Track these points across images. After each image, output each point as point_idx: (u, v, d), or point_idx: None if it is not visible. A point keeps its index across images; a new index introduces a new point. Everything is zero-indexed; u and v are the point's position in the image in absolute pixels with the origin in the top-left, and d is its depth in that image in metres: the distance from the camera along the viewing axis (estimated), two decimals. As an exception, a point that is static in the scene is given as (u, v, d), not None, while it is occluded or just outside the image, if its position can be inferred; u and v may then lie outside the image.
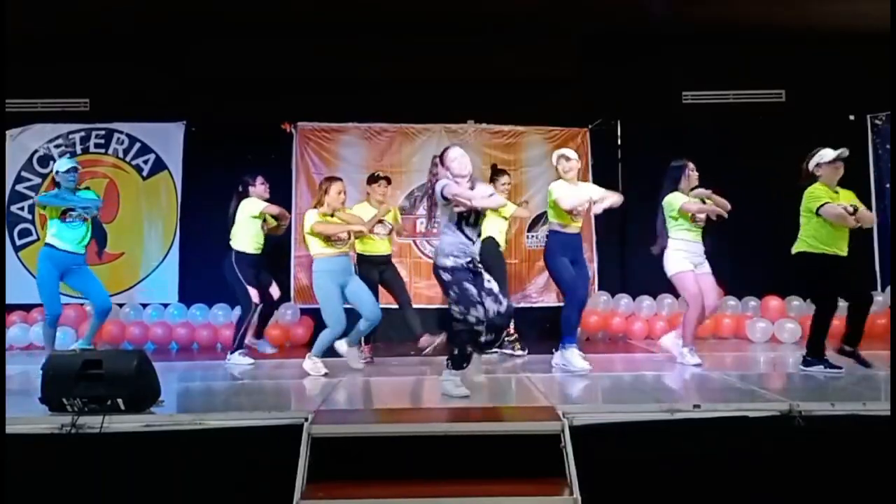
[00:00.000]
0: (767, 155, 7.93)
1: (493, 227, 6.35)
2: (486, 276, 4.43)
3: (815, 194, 5.14)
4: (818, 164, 5.19)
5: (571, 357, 5.43)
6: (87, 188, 6.44)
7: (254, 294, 6.25)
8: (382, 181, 6.41)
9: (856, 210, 5.07)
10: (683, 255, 5.63)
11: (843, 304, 7.50)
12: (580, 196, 5.47)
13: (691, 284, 5.62)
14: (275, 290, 6.48)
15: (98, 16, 7.30)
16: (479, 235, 4.47)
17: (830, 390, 4.60)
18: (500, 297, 4.36)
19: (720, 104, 8.38)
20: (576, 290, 5.53)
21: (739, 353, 6.75)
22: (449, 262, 4.29)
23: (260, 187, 6.36)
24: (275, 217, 6.41)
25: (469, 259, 4.33)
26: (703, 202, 5.75)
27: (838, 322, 7.51)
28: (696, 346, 5.78)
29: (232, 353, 6.27)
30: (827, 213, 5.05)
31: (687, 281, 5.62)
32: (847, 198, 5.22)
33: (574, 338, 5.52)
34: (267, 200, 6.36)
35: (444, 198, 4.31)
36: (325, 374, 5.46)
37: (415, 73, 7.87)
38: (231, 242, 6.30)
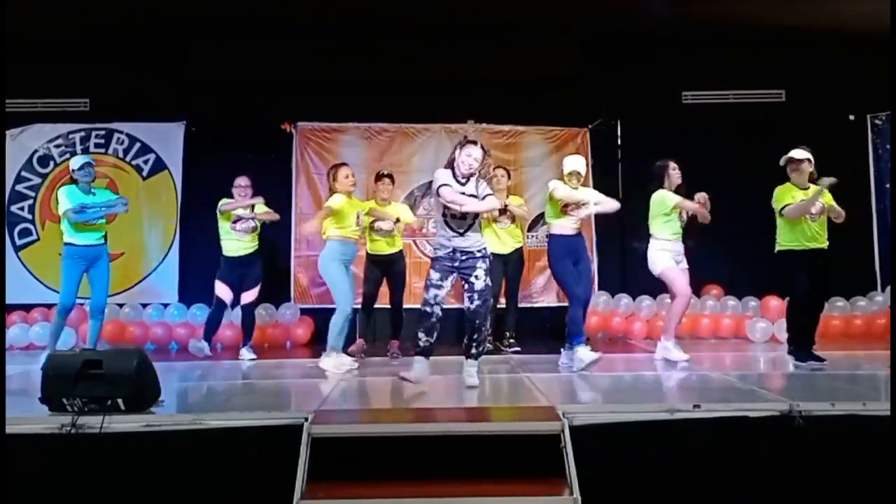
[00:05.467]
0: (768, 155, 7.90)
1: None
2: (478, 273, 4.62)
3: (778, 195, 5.39)
4: (790, 160, 5.40)
5: (582, 354, 5.42)
6: (107, 188, 6.50)
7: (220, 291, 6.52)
8: (385, 179, 6.52)
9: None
10: (667, 253, 5.79)
11: (842, 304, 7.59)
12: (574, 195, 5.62)
13: (679, 279, 5.80)
14: (225, 294, 6.60)
15: (98, 16, 7.28)
16: (471, 227, 4.64)
17: (830, 390, 4.61)
18: (475, 296, 4.61)
19: (720, 104, 8.36)
20: (578, 291, 5.57)
21: (739, 353, 6.74)
22: (434, 254, 4.81)
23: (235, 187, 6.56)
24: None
25: (450, 249, 4.62)
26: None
27: (838, 322, 7.53)
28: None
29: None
30: (789, 213, 5.30)
31: (675, 276, 5.80)
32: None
33: (582, 336, 5.52)
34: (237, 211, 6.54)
35: (439, 194, 4.56)
36: (350, 371, 5.50)
37: (415, 73, 7.86)
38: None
